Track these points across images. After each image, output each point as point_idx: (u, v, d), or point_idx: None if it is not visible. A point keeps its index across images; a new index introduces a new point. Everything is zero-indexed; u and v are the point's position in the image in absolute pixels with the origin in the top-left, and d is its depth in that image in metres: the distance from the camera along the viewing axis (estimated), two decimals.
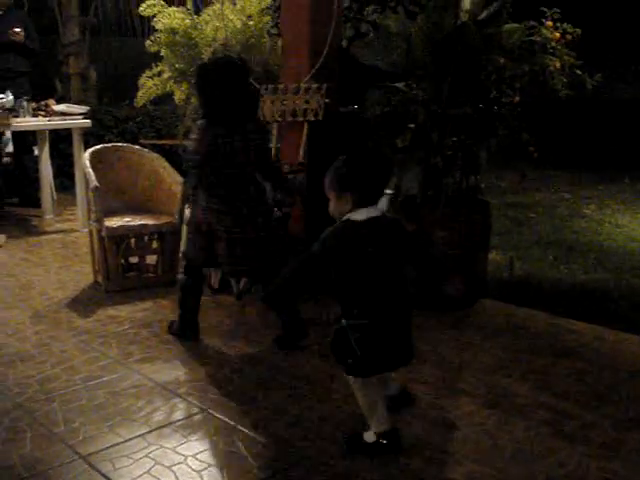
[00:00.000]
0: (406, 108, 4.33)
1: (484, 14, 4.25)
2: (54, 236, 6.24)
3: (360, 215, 2.54)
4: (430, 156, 4.27)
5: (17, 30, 6.88)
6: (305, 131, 4.50)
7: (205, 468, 2.59)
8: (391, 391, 2.90)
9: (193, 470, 2.58)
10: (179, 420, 2.95)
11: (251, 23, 4.96)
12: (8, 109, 6.22)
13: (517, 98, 4.37)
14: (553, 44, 4.30)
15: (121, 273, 4.65)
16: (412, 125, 4.34)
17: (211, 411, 3.01)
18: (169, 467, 2.59)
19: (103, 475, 2.55)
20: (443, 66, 4.22)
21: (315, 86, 4.47)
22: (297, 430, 2.87)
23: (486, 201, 4.50)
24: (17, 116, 6.25)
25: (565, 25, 4.31)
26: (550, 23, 4.31)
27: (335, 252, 2.52)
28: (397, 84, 4.36)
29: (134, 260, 4.80)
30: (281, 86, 4.64)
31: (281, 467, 2.61)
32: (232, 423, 2.92)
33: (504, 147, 4.40)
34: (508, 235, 6.08)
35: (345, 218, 2.56)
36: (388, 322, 2.56)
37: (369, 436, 2.68)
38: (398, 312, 2.60)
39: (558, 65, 4.29)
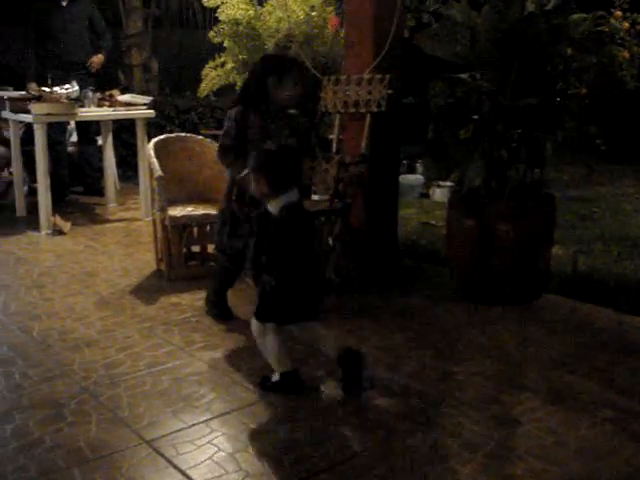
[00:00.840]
0: (470, 99, 4.28)
1: (551, 4, 4.17)
2: (117, 224, 6.36)
3: (293, 197, 2.95)
4: (494, 148, 4.21)
5: (95, 60, 7.03)
6: (367, 122, 4.48)
7: (266, 456, 2.62)
8: (330, 354, 3.14)
9: (255, 457, 2.60)
10: (241, 408, 2.98)
11: (314, 14, 4.97)
12: (74, 99, 6.34)
13: (584, 90, 4.28)
14: (622, 34, 4.20)
15: (183, 262, 4.71)
16: (476, 116, 4.30)
17: (272, 400, 3.04)
18: (231, 454, 2.62)
19: (167, 460, 2.59)
20: (509, 57, 4.16)
21: (378, 77, 4.44)
22: (358, 420, 2.88)
23: (551, 195, 4.42)
24: (82, 106, 6.37)
25: (635, 15, 4.21)
26: (619, 13, 4.22)
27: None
28: (461, 75, 4.32)
29: (196, 249, 4.86)
30: (344, 77, 4.63)
31: (341, 458, 2.61)
32: (293, 412, 2.94)
33: (570, 140, 4.32)
34: (571, 229, 5.96)
35: (286, 204, 2.93)
36: (292, 284, 2.97)
37: (274, 377, 3.09)
38: (302, 278, 2.99)
39: (627, 56, 4.20)
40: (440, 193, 7.14)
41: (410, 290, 4.49)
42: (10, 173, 7.05)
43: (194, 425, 2.83)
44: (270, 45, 4.81)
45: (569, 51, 4.18)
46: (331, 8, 5.02)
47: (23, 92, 6.36)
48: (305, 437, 2.74)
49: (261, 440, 2.74)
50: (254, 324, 3.09)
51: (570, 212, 6.56)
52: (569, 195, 7.21)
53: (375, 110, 4.46)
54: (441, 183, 7.21)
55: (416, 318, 4.05)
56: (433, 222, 6.10)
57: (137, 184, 6.65)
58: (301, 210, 3.04)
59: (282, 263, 2.95)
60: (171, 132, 7.26)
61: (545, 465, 2.57)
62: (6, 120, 6.76)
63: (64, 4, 7.05)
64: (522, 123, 4.21)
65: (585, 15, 4.17)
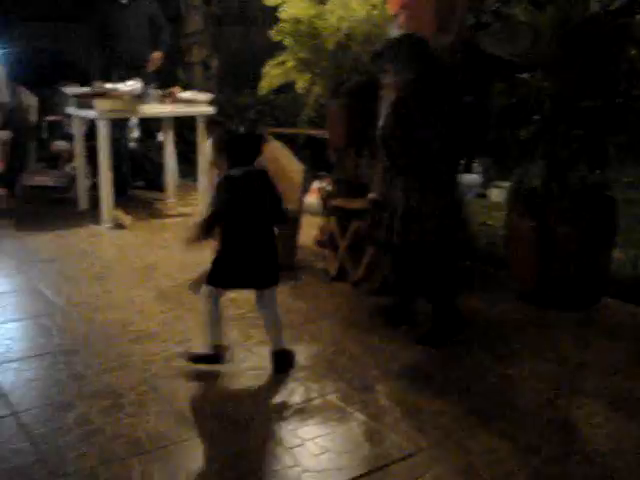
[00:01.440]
0: (532, 100, 4.24)
1: (616, 4, 4.10)
2: (177, 219, 6.46)
3: (237, 171, 3.20)
4: (555, 149, 4.16)
5: (155, 56, 7.15)
6: None
7: (323, 452, 2.64)
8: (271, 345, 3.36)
9: (312, 454, 2.63)
10: (298, 404, 3.01)
11: (375, 13, 4.95)
12: (136, 96, 6.45)
13: None
14: None
15: None
16: (537, 117, 4.25)
17: (329, 397, 3.06)
18: (289, 449, 2.65)
19: None
20: (572, 57, 4.11)
21: None
22: (413, 421, 2.89)
23: (612, 197, 4.35)
24: (145, 103, 6.47)
25: None
26: None
27: (227, 200, 3.18)
28: (523, 75, 4.27)
29: None
30: None
31: (398, 456, 2.62)
32: (350, 410, 2.95)
33: (633, 142, 4.24)
34: (630, 232, 5.85)
35: (225, 175, 3.22)
36: (239, 252, 3.23)
37: (203, 348, 3.30)
38: (250, 247, 3.23)
39: None
40: (498, 193, 7.06)
41: (467, 292, 4.46)
42: (73, 168, 7.21)
43: (253, 419, 2.87)
44: (331, 44, 4.81)
45: (634, 52, 4.11)
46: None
47: (87, 89, 6.49)
48: (362, 436, 2.76)
49: (319, 437, 2.76)
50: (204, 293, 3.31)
51: (630, 214, 6.42)
52: (629, 197, 7.06)
53: None
54: (499, 183, 7.13)
55: (473, 319, 4.03)
56: (490, 223, 6.04)
57: (196, 180, 6.74)
58: (236, 181, 3.20)
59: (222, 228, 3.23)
60: None
61: (603, 471, 2.54)
62: (70, 115, 6.92)
63: (124, 1, 7.18)
64: (584, 124, 4.15)
65: None
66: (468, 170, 7.80)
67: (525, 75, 4.28)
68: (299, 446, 2.68)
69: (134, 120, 7.65)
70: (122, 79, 6.68)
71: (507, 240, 4.53)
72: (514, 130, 4.21)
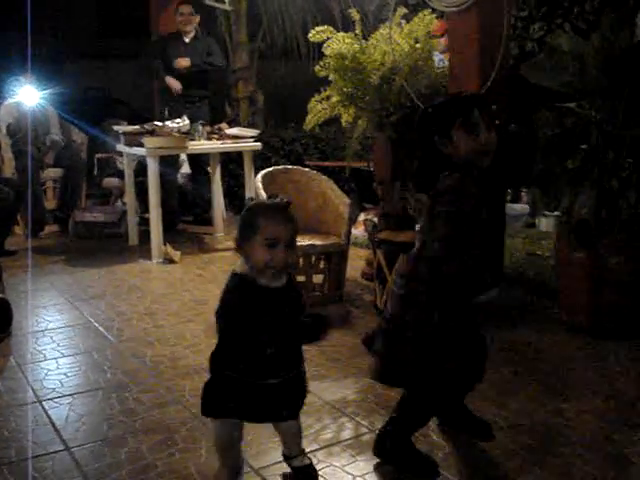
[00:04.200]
0: (578, 129, 4.21)
1: None
2: (225, 254, 6.51)
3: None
4: (604, 178, 4.12)
5: (181, 62, 7.32)
6: None
7: None
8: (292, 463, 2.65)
9: None
10: (347, 439, 2.99)
11: (418, 46, 4.99)
12: (184, 133, 6.58)
13: None
14: None
15: None
16: (584, 146, 4.22)
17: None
18: None
19: None
20: (618, 85, 4.08)
21: None
22: (464, 457, 2.85)
23: None
24: (192, 139, 6.59)
25: None
26: None
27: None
28: (569, 104, 4.25)
29: (301, 278, 4.92)
30: None
31: None
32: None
33: None
34: None
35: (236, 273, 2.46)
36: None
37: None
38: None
39: None
40: (546, 223, 7.00)
41: (517, 322, 4.41)
42: (124, 203, 7.36)
43: None
44: (375, 78, 4.85)
45: None
46: (435, 41, 5.03)
47: (137, 126, 6.64)
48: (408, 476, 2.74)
49: (368, 474, 2.74)
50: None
51: None
52: None
53: None
54: (547, 212, 7.07)
55: (523, 352, 3.98)
56: (540, 253, 5.99)
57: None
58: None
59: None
60: (276, 163, 7.44)
61: None
62: (121, 153, 7.07)
63: (187, 41, 7.37)
64: (633, 152, 4.11)
65: None
66: (516, 199, 7.76)
67: (572, 104, 4.25)
68: None
69: (183, 156, 7.80)
70: (176, 115, 6.83)
71: (558, 270, 4.48)
72: (561, 160, 4.17)
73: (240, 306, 2.32)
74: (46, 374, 3.76)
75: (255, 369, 2.35)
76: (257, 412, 2.44)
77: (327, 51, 5.05)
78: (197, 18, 7.55)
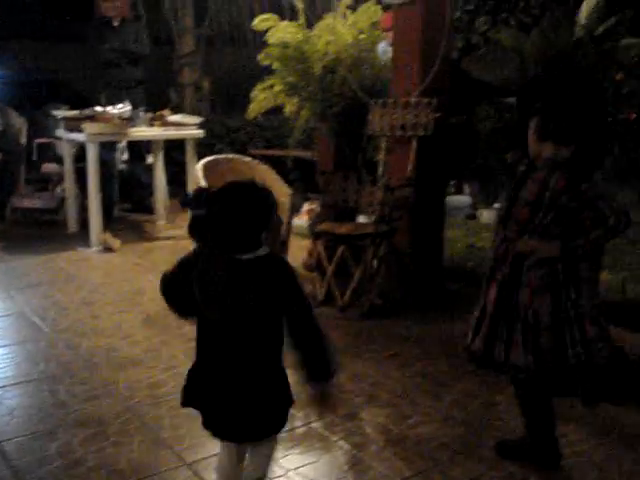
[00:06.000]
0: (517, 124, 4.25)
1: (600, 29, 4.12)
2: (166, 242, 6.44)
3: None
4: None
5: None
6: (414, 146, 4.48)
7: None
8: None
9: None
10: (282, 433, 2.98)
11: (362, 37, 4.98)
12: (126, 119, 6.47)
13: (634, 115, 4.21)
14: None
15: None
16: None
17: (313, 425, 3.04)
18: (272, 479, 2.62)
19: None
20: (557, 82, 4.12)
21: (425, 100, 4.44)
22: (398, 450, 2.87)
23: None
24: (134, 126, 6.48)
25: None
26: None
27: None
28: (508, 99, 4.29)
29: None
30: (391, 100, 4.63)
31: None
32: (334, 439, 2.94)
33: (619, 165, 4.25)
34: (621, 255, 5.85)
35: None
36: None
37: None
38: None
39: None
40: (487, 215, 7.08)
41: (454, 314, 4.45)
42: (63, 190, 7.21)
43: None
44: (317, 68, 4.83)
45: (619, 76, 4.12)
46: (378, 32, 5.03)
47: (77, 112, 6.50)
48: (345, 465, 2.74)
49: (302, 467, 2.74)
50: None
51: (621, 237, 6.43)
52: None
53: (421, 134, 4.46)
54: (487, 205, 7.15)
55: (460, 344, 4.01)
56: (479, 245, 6.04)
57: None
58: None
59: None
60: (220, 151, 7.37)
61: None
62: (60, 138, 6.92)
63: (115, 24, 7.23)
64: None
65: (635, 40, 4.10)
66: (459, 191, 7.83)
67: (511, 99, 4.28)
68: (282, 476, 2.66)
69: (123, 142, 7.67)
70: (114, 101, 6.71)
71: None
72: (500, 154, 4.21)
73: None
74: None
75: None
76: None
77: (270, 40, 5.01)
78: None
